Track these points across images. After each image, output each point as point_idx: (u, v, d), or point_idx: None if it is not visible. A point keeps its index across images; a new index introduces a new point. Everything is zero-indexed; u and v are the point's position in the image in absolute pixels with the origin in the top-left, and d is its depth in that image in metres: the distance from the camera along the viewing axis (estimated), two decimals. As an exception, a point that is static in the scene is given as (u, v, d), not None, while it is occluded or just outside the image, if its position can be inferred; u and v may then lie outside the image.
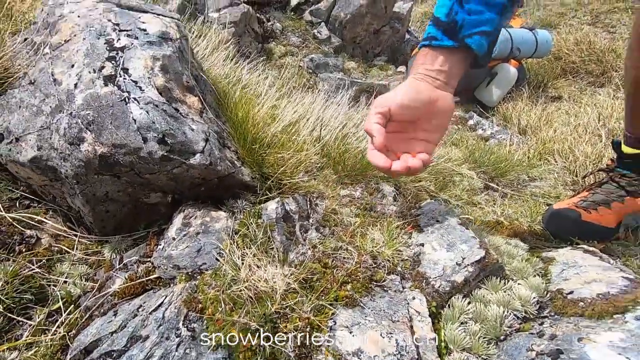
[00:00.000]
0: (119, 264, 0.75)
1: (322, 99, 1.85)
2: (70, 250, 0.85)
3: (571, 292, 0.66)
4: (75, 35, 0.89)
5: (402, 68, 3.26)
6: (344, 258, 0.70)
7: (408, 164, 0.66)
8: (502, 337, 0.58)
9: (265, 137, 1.01)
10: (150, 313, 0.56)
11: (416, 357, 0.53)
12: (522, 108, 2.62)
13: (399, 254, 0.72)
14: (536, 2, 5.54)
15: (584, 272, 0.75)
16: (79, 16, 0.94)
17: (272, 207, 0.73)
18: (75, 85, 0.77)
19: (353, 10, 3.06)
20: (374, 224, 0.82)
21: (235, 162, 0.85)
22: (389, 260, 0.70)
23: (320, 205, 0.85)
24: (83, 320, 0.65)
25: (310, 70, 2.69)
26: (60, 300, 0.72)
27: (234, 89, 1.39)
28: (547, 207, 1.25)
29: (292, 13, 3.18)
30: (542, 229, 1.20)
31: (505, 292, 0.64)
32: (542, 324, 0.58)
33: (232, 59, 2.12)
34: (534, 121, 2.36)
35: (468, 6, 0.70)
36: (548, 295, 0.66)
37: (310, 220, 0.78)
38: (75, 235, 0.89)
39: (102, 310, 0.66)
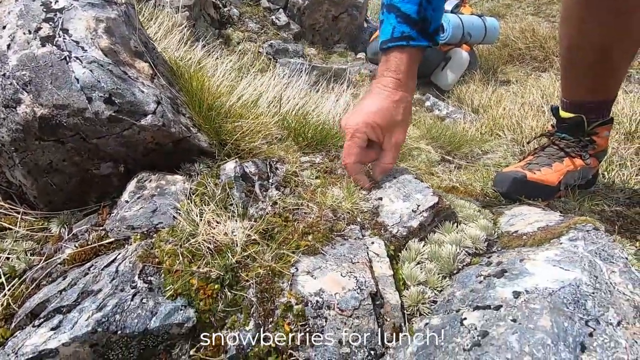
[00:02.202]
0: (68, 235, 0.71)
1: (282, 80, 1.85)
2: (12, 227, 0.79)
3: (516, 231, 0.71)
4: (6, -3, 0.82)
5: (361, 55, 3.31)
6: (305, 213, 0.71)
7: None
8: (454, 271, 0.61)
9: (222, 106, 0.99)
10: (102, 269, 0.53)
11: (375, 291, 0.54)
12: (474, 90, 2.76)
13: (358, 207, 0.74)
14: (485, -6, 5.82)
15: (528, 217, 0.81)
16: (9, -22, 0.86)
17: (230, 167, 0.72)
18: (8, 46, 0.71)
19: (311, -4, 3.05)
20: (334, 183, 0.83)
21: (191, 127, 0.83)
22: (349, 213, 0.72)
23: (281, 169, 0.85)
24: (29, 290, 0.61)
25: (270, 56, 2.66)
26: (2, 276, 0.67)
27: (189, 67, 1.35)
28: (497, 172, 1.33)
29: (249, -1, 3.13)
30: (493, 191, 1.28)
31: (457, 233, 0.68)
32: (490, 257, 0.62)
33: (186, 43, 2.04)
34: (485, 101, 2.49)
35: (434, 1, 0.73)
36: (496, 235, 0.71)
37: (270, 181, 0.78)
38: (18, 213, 0.83)
39: (50, 279, 0.62)
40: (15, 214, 0.83)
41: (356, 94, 2.63)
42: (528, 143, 1.45)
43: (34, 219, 0.84)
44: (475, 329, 0.43)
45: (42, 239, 0.80)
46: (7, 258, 0.73)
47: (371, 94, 0.80)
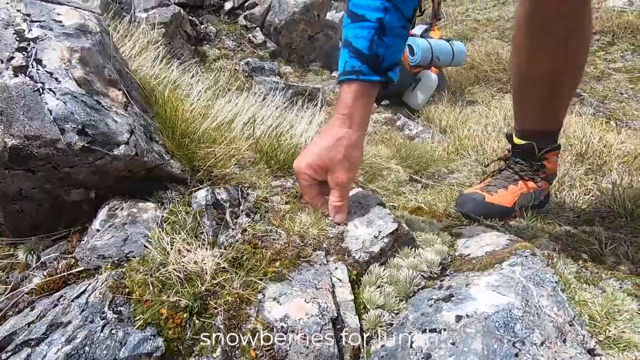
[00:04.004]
0: (36, 263, 0.71)
1: (258, 100, 1.89)
2: (-24, 255, 0.78)
3: (468, 255, 0.78)
4: (-23, 25, 0.82)
5: (336, 73, 3.41)
6: (274, 239, 0.75)
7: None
8: (411, 294, 0.67)
9: (196, 132, 1.02)
10: (72, 301, 0.55)
11: (336, 315, 0.59)
12: (443, 110, 2.90)
13: (325, 233, 0.79)
14: (454, 18, 6.16)
15: (481, 240, 0.88)
16: (-19, 5, 0.87)
17: (201, 195, 0.75)
18: (-21, 75, 0.72)
19: (287, 17, 3.14)
20: (303, 209, 0.87)
21: (164, 155, 0.86)
22: (315, 239, 0.76)
23: (252, 195, 0.89)
24: (-6, 321, 0.61)
25: (246, 74, 2.70)
26: (-35, 306, 0.66)
27: (164, 89, 1.37)
28: (460, 193, 1.42)
29: (226, 17, 3.18)
30: (455, 211, 1.36)
31: (414, 257, 0.74)
32: (442, 280, 0.68)
33: (162, 60, 2.06)
34: (452, 121, 2.63)
35: (387, 40, 0.73)
36: (449, 258, 0.77)
37: (241, 208, 0.81)
38: (-18, 240, 0.82)
39: (16, 310, 0.63)
40: (-21, 241, 0.82)
41: (330, 112, 2.71)
42: (486, 166, 1.55)
43: (-1, 246, 0.83)
44: (422, 351, 0.48)
45: (7, 267, 0.79)
46: (-29, 287, 0.72)
47: (322, 130, 0.82)
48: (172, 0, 2.83)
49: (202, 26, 2.93)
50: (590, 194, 1.68)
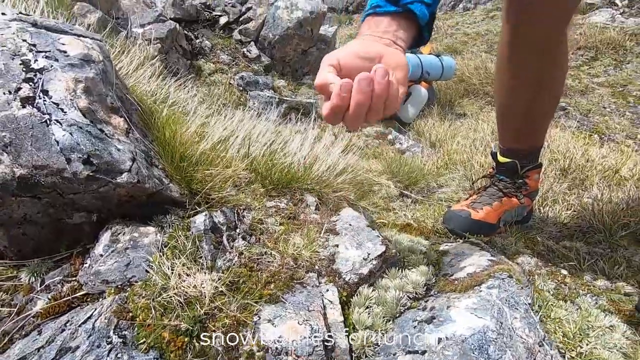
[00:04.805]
0: (41, 286, 0.74)
1: (252, 116, 1.94)
2: (-20, 278, 0.81)
3: (451, 275, 0.83)
4: (-16, 55, 0.86)
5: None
6: (269, 262, 0.79)
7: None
8: (397, 315, 0.71)
9: (194, 154, 1.06)
10: (79, 326, 0.58)
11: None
12: (432, 124, 2.98)
13: (317, 255, 0.83)
14: (444, 31, 6.31)
15: (465, 259, 0.94)
16: (-12, 34, 0.91)
17: (200, 220, 0.80)
18: (-12, 106, 0.76)
19: (281, 32, 3.21)
20: (296, 230, 0.92)
21: (164, 179, 0.90)
22: (308, 261, 0.81)
23: (247, 217, 0.93)
24: (2, 344, 0.64)
25: (241, 88, 2.75)
26: (-29, 329, 0.69)
27: (161, 107, 1.41)
28: (447, 209, 1.48)
29: (221, 31, 3.24)
30: (443, 227, 1.42)
31: (401, 279, 0.78)
32: (427, 301, 0.73)
33: (159, 76, 2.10)
34: (441, 135, 2.70)
35: None
36: (434, 279, 0.82)
37: (238, 230, 0.85)
38: (-14, 262, 0.85)
39: (23, 333, 0.66)
40: (-17, 263, 0.84)
41: (323, 127, 2.77)
42: (472, 184, 1.62)
43: (2, 268, 0.86)
44: (405, 371, 0.53)
45: (11, 289, 0.82)
46: (-24, 310, 0.75)
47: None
48: (168, 15, 2.89)
49: (198, 40, 2.98)
50: (572, 209, 1.75)
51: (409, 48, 0.70)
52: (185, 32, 2.94)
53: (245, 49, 3.15)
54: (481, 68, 4.37)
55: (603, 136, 3.38)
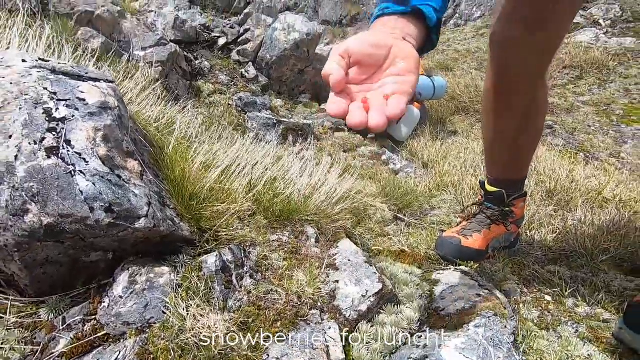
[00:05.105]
0: (62, 325, 0.80)
1: (252, 141, 2.01)
2: (3, 315, 0.86)
3: (443, 310, 0.90)
4: (8, 104, 0.92)
5: (324, 105, 3.58)
6: (275, 299, 0.85)
7: (367, 119, 0.57)
8: (394, 351, 0.78)
9: (202, 191, 1.13)
10: (106, 368, 0.64)
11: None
12: (425, 143, 3.08)
13: (319, 291, 0.90)
14: (436, 48, 6.49)
15: (455, 291, 1.01)
16: (11, 83, 0.97)
17: (211, 261, 0.86)
18: (16, 157, 0.82)
19: (278, 53, 3.31)
20: (298, 266, 0.99)
21: (175, 219, 0.96)
22: (311, 298, 0.87)
23: (253, 253, 1.00)
24: (30, 384, 0.70)
25: (240, 109, 2.83)
26: (-2, 367, 0.74)
27: (167, 138, 1.47)
28: (439, 235, 1.56)
29: (220, 52, 3.32)
30: (435, 253, 1.50)
31: (397, 315, 0.85)
32: (420, 337, 0.80)
33: (162, 101, 2.17)
34: (433, 156, 2.80)
35: None
36: (427, 315, 0.89)
37: (245, 268, 0.92)
38: (7, 299, 0.90)
39: (49, 372, 0.71)
40: (4, 300, 0.89)
41: (321, 147, 2.85)
42: (462, 211, 1.70)
43: (22, 305, 0.91)
44: (401, 410, 0.59)
45: (31, 326, 0.87)
46: (1, 348, 0.80)
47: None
48: (168, 37, 2.97)
49: (197, 62, 3.06)
50: (557, 232, 1.85)
51: (418, 50, 0.69)
52: (185, 53, 3.02)
53: (243, 70, 3.24)
54: (471, 86, 4.51)
55: (588, 154, 3.52)
